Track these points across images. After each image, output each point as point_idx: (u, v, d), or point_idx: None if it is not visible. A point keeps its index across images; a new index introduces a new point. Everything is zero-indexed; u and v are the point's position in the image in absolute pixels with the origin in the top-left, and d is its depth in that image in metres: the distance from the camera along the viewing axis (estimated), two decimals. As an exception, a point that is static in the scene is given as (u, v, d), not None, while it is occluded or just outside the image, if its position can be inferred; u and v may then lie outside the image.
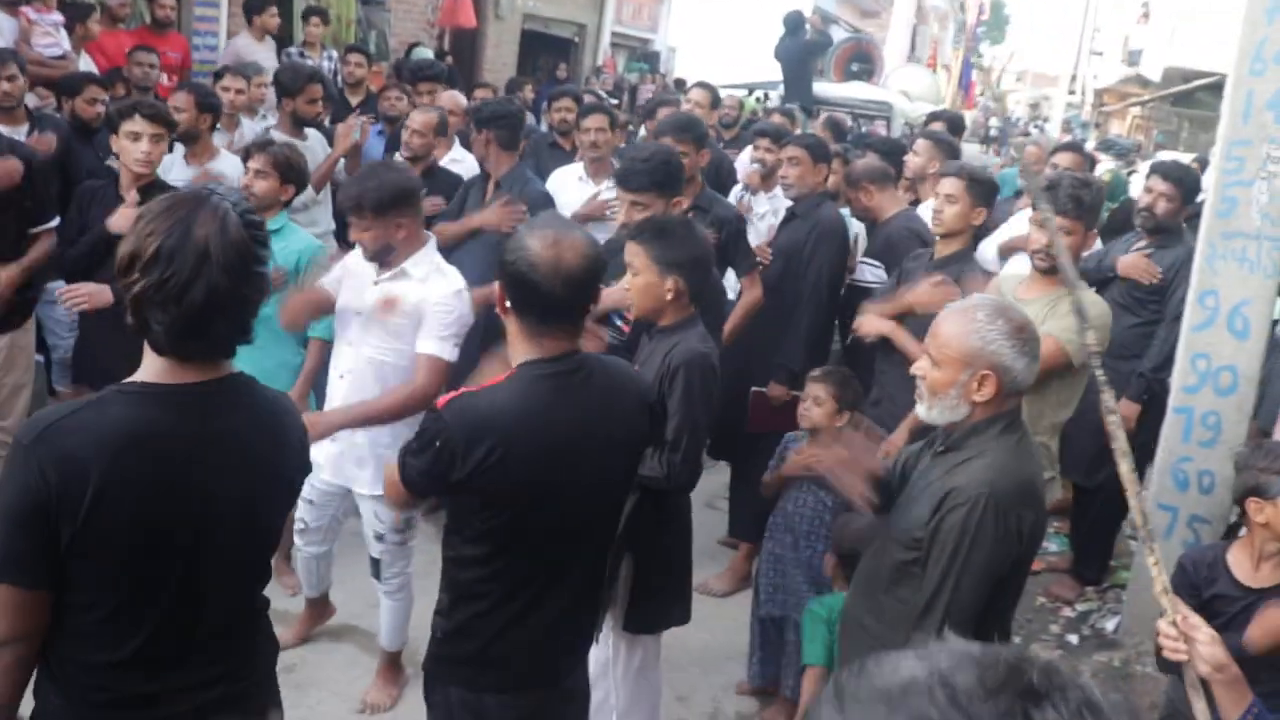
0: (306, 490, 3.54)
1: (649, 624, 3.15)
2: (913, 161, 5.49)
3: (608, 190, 5.14)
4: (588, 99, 6.98)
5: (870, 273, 4.85)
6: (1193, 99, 18.00)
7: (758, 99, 23.53)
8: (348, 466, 3.51)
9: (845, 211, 5.24)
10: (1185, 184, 4.64)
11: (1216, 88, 18.49)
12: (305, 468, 2.03)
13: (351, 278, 3.43)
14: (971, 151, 34.94)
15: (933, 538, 2.16)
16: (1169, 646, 2.08)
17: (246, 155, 3.97)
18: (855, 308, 4.75)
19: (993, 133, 38.83)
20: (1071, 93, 35.25)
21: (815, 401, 3.60)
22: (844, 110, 11.03)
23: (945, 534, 2.14)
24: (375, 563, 3.65)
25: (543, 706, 2.41)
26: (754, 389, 4.67)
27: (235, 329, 1.75)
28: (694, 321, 3.04)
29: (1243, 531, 3.02)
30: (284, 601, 4.25)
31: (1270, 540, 2.73)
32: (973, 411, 2.25)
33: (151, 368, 1.76)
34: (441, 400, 2.25)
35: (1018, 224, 5.38)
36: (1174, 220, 4.66)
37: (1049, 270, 3.41)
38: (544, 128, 8.07)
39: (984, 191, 3.97)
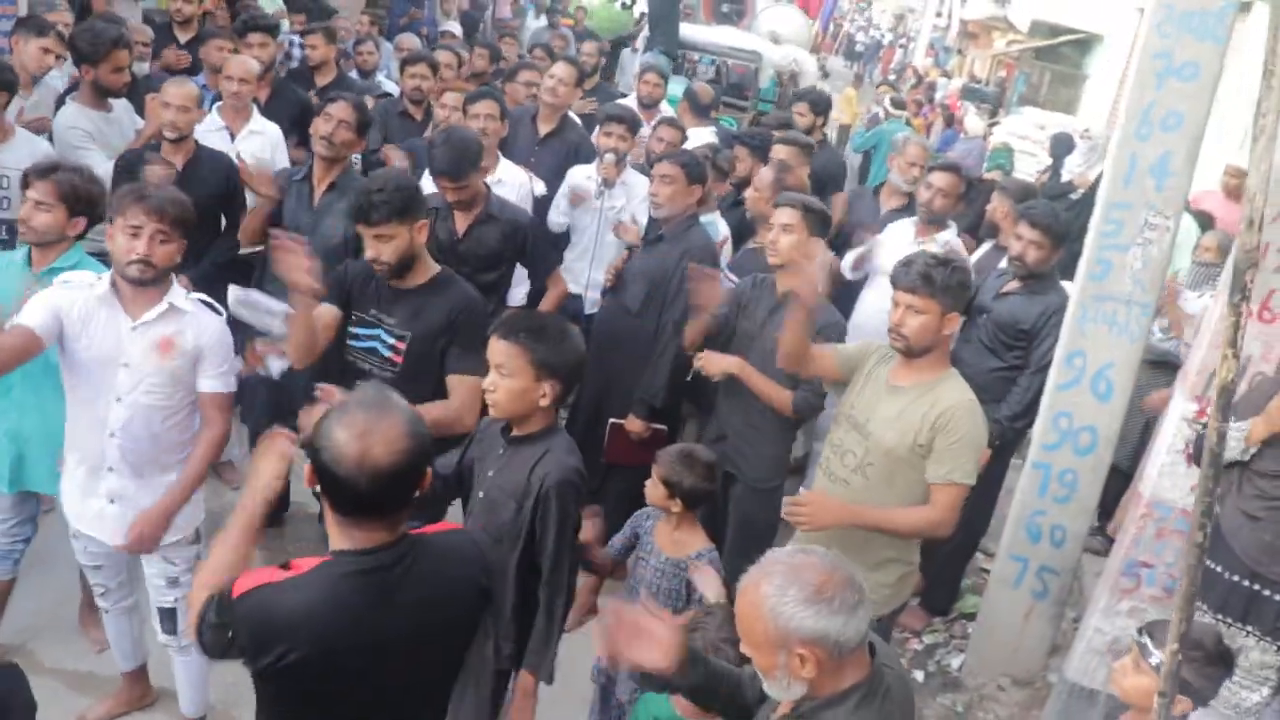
0: (90, 559, 3.33)
1: None
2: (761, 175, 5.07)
3: (499, 184, 4.75)
4: (441, 56, 6.44)
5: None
6: (1056, 53, 18.21)
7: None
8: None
9: (711, 219, 4.95)
10: (1054, 231, 4.49)
11: (1080, 44, 18.89)
12: None
13: (89, 322, 2.98)
14: (836, 67, 34.80)
15: None
16: None
17: (25, 181, 3.35)
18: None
19: (858, 48, 38.94)
20: (938, 15, 35.45)
21: (652, 484, 3.35)
22: (711, 55, 10.64)
23: None
24: (168, 614, 3.33)
25: None
26: (612, 421, 4.43)
27: None
28: (557, 429, 2.82)
29: None
30: (89, 661, 3.87)
31: None
32: (814, 684, 1.94)
33: None
34: (237, 588, 1.98)
35: (895, 235, 5.21)
36: (1045, 267, 4.54)
37: (905, 351, 3.22)
38: (388, 83, 7.38)
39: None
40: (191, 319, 3.05)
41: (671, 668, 2.19)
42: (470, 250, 4.20)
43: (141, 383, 3.01)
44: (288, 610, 1.92)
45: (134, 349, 2.99)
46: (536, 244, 4.40)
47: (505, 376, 2.70)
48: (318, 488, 1.97)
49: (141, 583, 3.45)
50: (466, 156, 4.06)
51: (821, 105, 7.23)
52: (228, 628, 1.96)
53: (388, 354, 3.43)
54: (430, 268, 3.46)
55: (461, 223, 4.20)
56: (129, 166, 4.30)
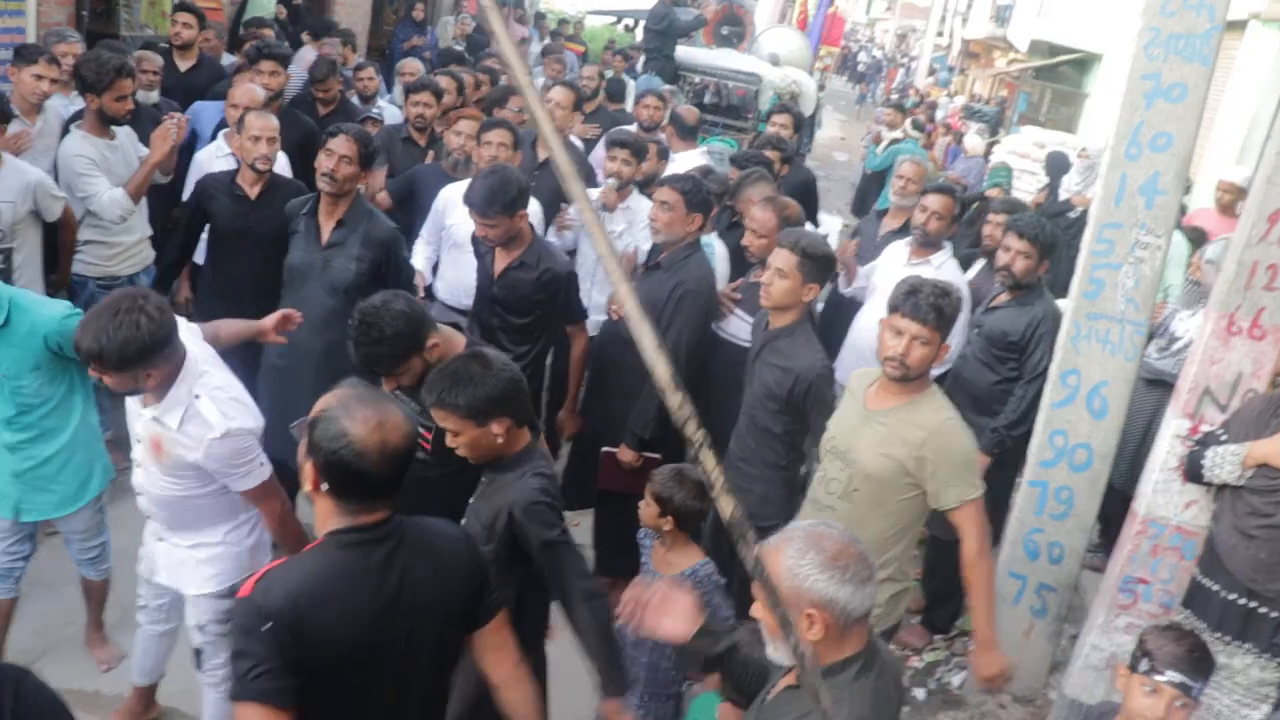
0: (147, 570, 3.40)
1: None
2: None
3: None
4: (441, 81, 6.51)
5: (740, 327, 4.59)
6: (1056, 72, 18.30)
7: (626, 27, 22.59)
8: (179, 572, 3.29)
9: (708, 240, 4.96)
10: (1041, 241, 4.53)
11: (1079, 64, 18.97)
12: None
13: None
14: (837, 87, 34.72)
15: None
16: None
17: None
18: (720, 360, 4.56)
19: (861, 68, 39.08)
20: (940, 34, 35.61)
21: (645, 502, 3.39)
22: (712, 79, 10.72)
23: None
24: (197, 653, 3.38)
25: None
26: (605, 449, 4.41)
27: None
28: (530, 455, 2.83)
29: None
30: (96, 680, 3.90)
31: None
32: (819, 649, 2.04)
33: None
34: (245, 589, 2.10)
35: (890, 257, 5.25)
36: (1032, 277, 4.59)
37: (901, 378, 3.25)
38: (390, 108, 7.45)
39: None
40: (177, 434, 2.90)
41: (688, 636, 2.41)
42: (503, 292, 4.20)
43: (150, 463, 3.04)
44: (298, 579, 2.06)
45: (140, 432, 3.04)
46: (569, 293, 4.32)
47: (456, 436, 2.77)
48: (324, 486, 2.10)
49: (181, 615, 3.48)
50: (499, 196, 3.99)
51: (801, 119, 7.39)
52: (261, 624, 1.99)
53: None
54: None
55: (500, 262, 4.18)
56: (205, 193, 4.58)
